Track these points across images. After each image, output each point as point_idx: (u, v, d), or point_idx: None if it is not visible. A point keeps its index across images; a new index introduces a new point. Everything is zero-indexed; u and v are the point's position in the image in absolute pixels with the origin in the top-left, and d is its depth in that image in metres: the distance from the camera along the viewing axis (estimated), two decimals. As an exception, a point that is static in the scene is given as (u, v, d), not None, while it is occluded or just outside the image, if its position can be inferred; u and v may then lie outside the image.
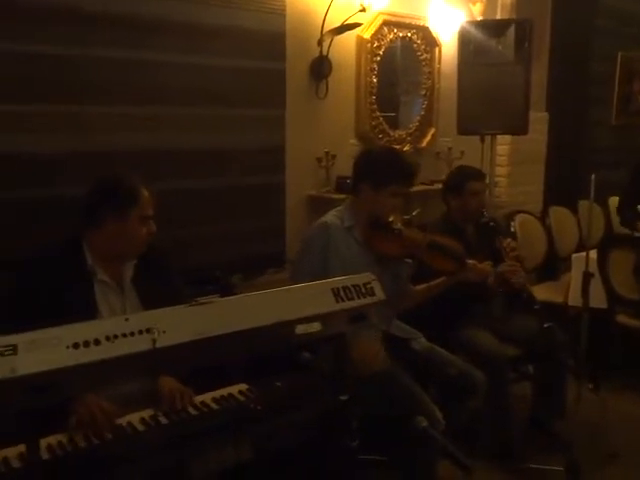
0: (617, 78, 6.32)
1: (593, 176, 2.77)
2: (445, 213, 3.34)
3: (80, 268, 2.05)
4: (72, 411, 1.72)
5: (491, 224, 3.14)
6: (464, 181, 3.24)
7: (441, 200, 3.39)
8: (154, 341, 1.28)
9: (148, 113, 3.09)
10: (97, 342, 1.20)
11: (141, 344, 1.27)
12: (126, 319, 1.28)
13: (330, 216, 2.61)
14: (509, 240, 3.06)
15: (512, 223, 4.48)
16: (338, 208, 2.67)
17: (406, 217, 2.64)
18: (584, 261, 2.94)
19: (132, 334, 1.27)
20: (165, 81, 3.13)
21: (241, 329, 1.39)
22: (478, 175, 3.32)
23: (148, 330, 1.29)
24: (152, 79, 3.09)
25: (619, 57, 6.27)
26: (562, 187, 5.48)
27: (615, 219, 5.44)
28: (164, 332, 1.31)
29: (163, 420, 1.71)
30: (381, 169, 2.54)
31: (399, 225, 2.59)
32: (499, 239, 3.03)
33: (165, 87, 3.14)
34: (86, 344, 1.19)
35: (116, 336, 1.24)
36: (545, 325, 2.76)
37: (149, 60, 3.07)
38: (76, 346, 1.18)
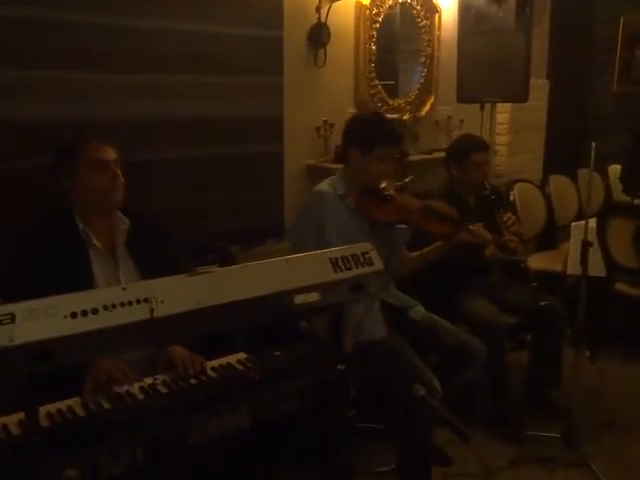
0: (619, 44, 6.23)
1: (593, 144, 2.74)
2: (447, 181, 3.31)
3: (73, 235, 2.07)
4: (89, 376, 1.74)
5: (492, 197, 3.11)
6: (468, 152, 3.21)
7: (443, 167, 3.37)
8: (152, 310, 1.28)
9: (144, 81, 3.06)
10: (95, 311, 1.21)
11: (139, 313, 1.27)
12: (123, 288, 1.28)
13: (324, 184, 2.64)
14: (510, 214, 3.04)
15: (511, 192, 4.46)
16: (332, 177, 2.69)
17: (399, 183, 2.64)
18: (583, 230, 2.93)
19: (130, 303, 1.27)
20: (161, 49, 3.09)
21: (239, 299, 1.39)
22: (482, 146, 3.27)
23: (146, 300, 1.29)
24: (147, 47, 3.04)
25: (622, 22, 6.17)
26: (562, 155, 5.45)
27: (615, 187, 5.43)
28: (162, 302, 1.31)
29: (162, 389, 1.72)
30: (367, 133, 2.57)
31: (391, 191, 2.60)
32: (500, 213, 3.01)
33: (161, 55, 3.10)
34: (84, 313, 1.19)
35: (114, 305, 1.25)
36: (542, 303, 2.77)
37: (144, 27, 3.02)
38: (74, 315, 1.18)
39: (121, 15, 2.94)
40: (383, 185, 2.58)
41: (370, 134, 2.56)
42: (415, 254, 2.80)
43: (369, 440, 2.39)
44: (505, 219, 3.00)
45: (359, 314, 2.45)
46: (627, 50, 6.30)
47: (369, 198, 2.57)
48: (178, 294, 1.34)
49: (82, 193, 2.12)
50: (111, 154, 2.15)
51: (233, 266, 1.46)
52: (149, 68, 3.07)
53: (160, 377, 1.76)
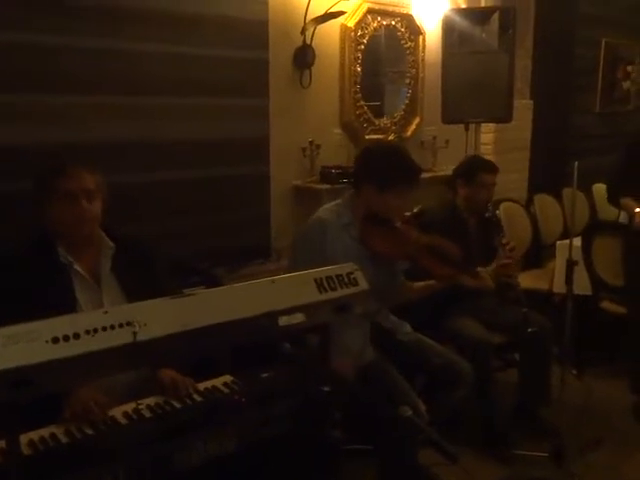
0: (601, 65, 6.34)
1: (576, 164, 2.77)
2: (449, 201, 3.32)
3: (54, 262, 2.04)
4: (66, 405, 1.72)
5: (494, 219, 3.13)
6: (476, 171, 3.23)
7: (448, 187, 3.37)
8: (135, 334, 1.27)
9: (129, 103, 3.07)
10: (76, 336, 1.19)
11: (121, 337, 1.26)
12: (105, 312, 1.27)
13: (326, 211, 2.52)
14: (510, 241, 3.05)
15: (497, 212, 4.48)
16: (336, 202, 2.58)
17: (407, 214, 2.60)
18: (568, 248, 2.95)
19: (112, 327, 1.26)
20: (146, 71, 3.11)
21: (224, 321, 1.38)
22: (491, 168, 3.30)
23: (129, 323, 1.28)
24: (132, 69, 3.06)
25: (603, 44, 6.28)
26: (547, 175, 5.50)
27: (600, 206, 5.48)
28: (145, 325, 1.30)
29: (146, 413, 1.70)
30: (387, 170, 2.44)
31: (398, 223, 2.53)
32: (500, 237, 3.03)
33: (146, 77, 3.11)
34: (65, 338, 1.18)
35: (96, 330, 1.23)
36: (529, 330, 2.77)
37: (129, 50, 3.04)
38: (55, 340, 1.17)
39: (105, 37, 2.95)
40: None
41: (391, 171, 2.43)
42: (420, 284, 2.71)
43: (356, 461, 2.37)
44: (504, 243, 3.00)
45: (361, 341, 2.45)
46: (609, 71, 6.41)
47: (374, 228, 2.48)
48: (161, 317, 1.33)
49: (53, 224, 2.09)
50: (86, 184, 2.08)
51: (217, 288, 1.46)
52: (135, 90, 3.08)
53: (144, 402, 1.74)
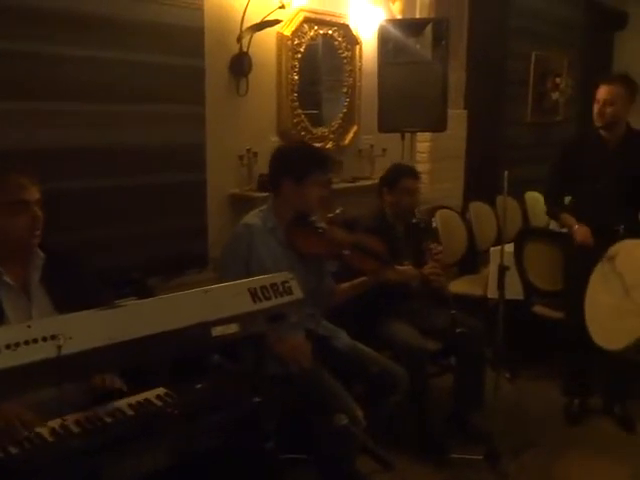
0: (532, 77, 6.54)
1: (506, 172, 2.86)
2: (377, 209, 3.37)
3: None
4: None
5: (421, 225, 3.19)
6: (398, 178, 3.30)
7: (376, 195, 3.43)
8: (59, 348, 1.24)
9: (62, 109, 2.98)
10: (-4, 351, 1.15)
11: (45, 351, 1.22)
12: (28, 326, 1.23)
13: (252, 217, 2.62)
14: (435, 245, 3.13)
15: (433, 219, 4.56)
16: (261, 208, 2.68)
17: (329, 215, 2.67)
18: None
19: (35, 341, 1.22)
20: (79, 76, 3.02)
21: (153, 333, 1.36)
22: (412, 173, 3.37)
23: (53, 337, 1.24)
24: (65, 74, 2.97)
25: (533, 56, 6.49)
26: (481, 183, 5.63)
27: (532, 213, 5.65)
28: (70, 338, 1.26)
29: (74, 429, 1.64)
30: (299, 161, 2.60)
31: (322, 224, 2.63)
32: (426, 242, 3.10)
33: (79, 83, 3.03)
34: (-15, 353, 1.14)
35: (17, 344, 1.19)
36: (458, 330, 2.84)
37: (62, 55, 2.96)
38: (-26, 356, 1.13)
39: (38, 41, 2.87)
40: (314, 217, 2.60)
41: (303, 162, 2.59)
42: (345, 285, 2.82)
43: (293, 471, 2.36)
44: (431, 247, 3.07)
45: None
46: (538, 83, 6.63)
47: (300, 230, 2.57)
48: (88, 330, 1.29)
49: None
50: (34, 193, 2.04)
51: (147, 299, 1.43)
52: (68, 96, 3.00)
53: (71, 417, 1.68)
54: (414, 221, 3.20)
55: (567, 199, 3.65)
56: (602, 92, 3.32)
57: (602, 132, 3.40)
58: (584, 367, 3.54)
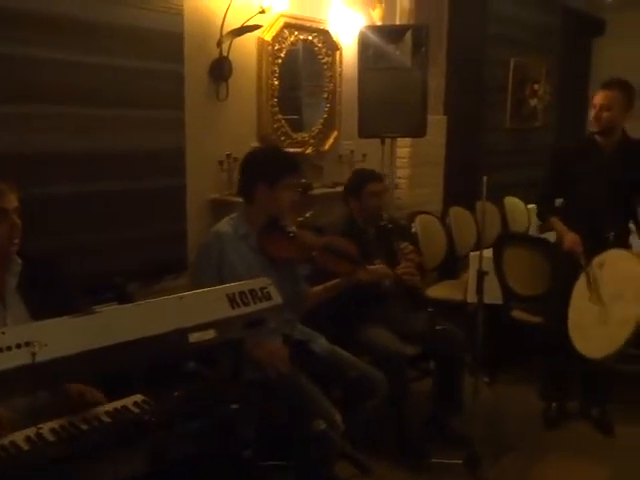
0: (510, 83, 6.60)
1: (485, 178, 2.88)
2: (346, 214, 3.39)
3: None
4: None
5: (389, 226, 3.21)
6: (362, 183, 3.33)
7: (343, 203, 3.45)
8: (34, 355, 1.22)
9: (39, 113, 2.95)
10: (-31, 359, 1.14)
11: (19, 359, 1.21)
12: (2, 332, 1.22)
13: (222, 225, 2.63)
14: (406, 244, 3.15)
15: (413, 224, 4.59)
16: (231, 216, 2.70)
17: (300, 219, 2.68)
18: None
19: (9, 348, 1.21)
20: (57, 80, 2.99)
21: (129, 339, 1.35)
22: (376, 177, 3.40)
23: (27, 344, 1.23)
24: (43, 78, 2.94)
25: (512, 63, 6.55)
26: (460, 188, 5.67)
27: (511, 218, 5.70)
28: (46, 345, 1.25)
29: (49, 437, 1.62)
30: (272, 165, 2.62)
31: (293, 228, 2.65)
32: (396, 242, 3.12)
33: (59, 87, 3.00)
34: (-43, 361, 1.12)
35: (-9, 351, 1.18)
36: (437, 327, 2.86)
37: (41, 58, 2.92)
38: (-54, 363, 1.11)
39: (14, 44, 2.83)
40: (285, 222, 2.62)
41: (275, 166, 2.62)
42: (318, 288, 2.83)
43: (272, 478, 2.35)
44: (402, 247, 3.09)
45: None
46: (517, 89, 6.69)
47: (270, 235, 2.59)
48: (64, 336, 1.28)
49: None
50: (12, 201, 2.01)
51: (123, 305, 1.42)
52: (45, 100, 2.97)
53: (46, 425, 1.66)
54: (382, 223, 3.22)
55: (558, 201, 3.67)
56: (599, 97, 3.32)
57: (598, 138, 3.39)
58: (562, 371, 3.57)
